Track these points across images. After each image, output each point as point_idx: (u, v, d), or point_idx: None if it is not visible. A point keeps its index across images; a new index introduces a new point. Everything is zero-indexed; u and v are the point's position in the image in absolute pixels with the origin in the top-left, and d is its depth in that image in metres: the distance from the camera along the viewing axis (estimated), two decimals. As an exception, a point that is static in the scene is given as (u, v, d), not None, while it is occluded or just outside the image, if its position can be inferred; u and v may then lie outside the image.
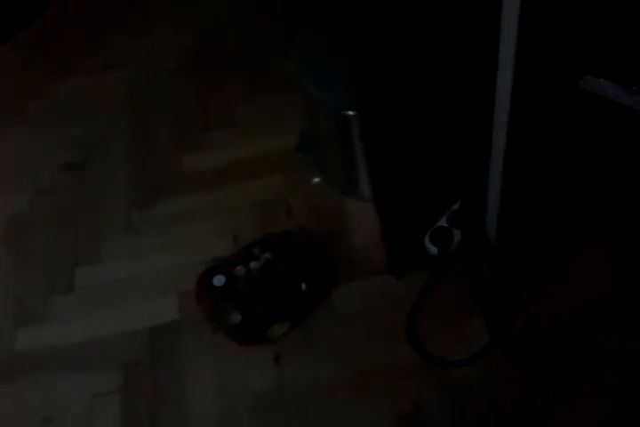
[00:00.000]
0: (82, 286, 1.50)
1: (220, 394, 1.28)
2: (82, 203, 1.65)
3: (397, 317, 1.28)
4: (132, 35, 2.01)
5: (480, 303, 1.26)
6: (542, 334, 1.22)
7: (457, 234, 1.22)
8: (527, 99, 0.94)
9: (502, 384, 1.19)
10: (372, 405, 1.21)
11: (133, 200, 1.62)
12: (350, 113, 1.04)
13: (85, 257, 1.55)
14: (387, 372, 1.23)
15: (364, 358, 1.26)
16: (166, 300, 1.42)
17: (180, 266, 1.47)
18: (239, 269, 1.24)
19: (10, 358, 1.42)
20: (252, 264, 1.23)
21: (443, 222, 1.24)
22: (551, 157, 1.31)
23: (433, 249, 1.22)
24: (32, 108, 1.90)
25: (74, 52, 2.02)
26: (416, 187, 1.19)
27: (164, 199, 1.60)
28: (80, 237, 1.59)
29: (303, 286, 1.24)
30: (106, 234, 1.58)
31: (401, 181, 1.15)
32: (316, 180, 1.32)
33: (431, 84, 1.03)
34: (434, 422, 1.17)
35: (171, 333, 1.37)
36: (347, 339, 1.28)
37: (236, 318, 1.19)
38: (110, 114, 1.83)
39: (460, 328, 1.25)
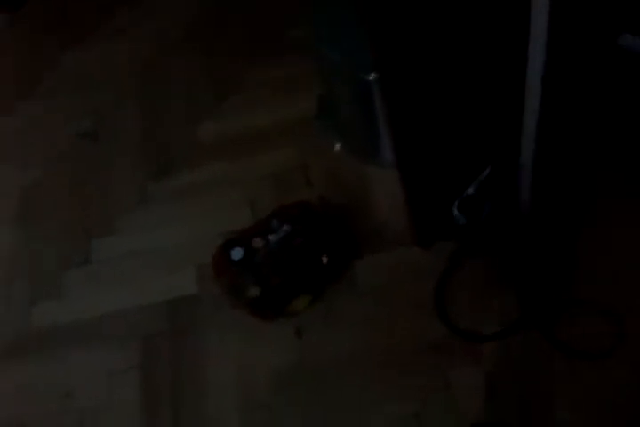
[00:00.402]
0: (98, 259, 1.47)
1: (239, 369, 1.25)
2: (96, 174, 1.61)
3: (423, 289, 1.23)
4: (142, 5, 1.94)
5: (512, 276, 1.21)
6: (578, 307, 1.17)
7: (487, 203, 1.16)
8: (562, 57, 0.87)
9: (534, 359, 1.14)
10: (396, 380, 1.17)
11: (147, 171, 1.57)
12: (371, 75, 0.98)
13: (100, 229, 1.51)
14: (413, 346, 1.19)
15: (388, 332, 1.22)
16: (184, 273, 1.39)
17: (196, 238, 1.43)
18: (257, 242, 1.19)
19: (28, 334, 1.40)
20: (271, 237, 1.18)
21: (472, 190, 1.18)
22: (588, 120, 1.24)
23: (462, 219, 1.17)
24: (45, 79, 1.84)
25: (84, 23, 1.96)
26: (443, 152, 1.13)
27: (178, 170, 1.55)
28: (94, 208, 1.55)
29: (324, 259, 1.19)
30: (120, 205, 1.54)
31: (426, 145, 1.08)
32: (336, 147, 1.26)
33: (458, 39, 0.96)
34: (462, 397, 1.13)
35: (189, 306, 1.34)
36: (370, 313, 1.24)
37: (255, 292, 1.15)
38: (123, 84, 1.77)
39: (490, 301, 1.20)
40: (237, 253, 1.19)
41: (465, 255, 1.24)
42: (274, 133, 1.53)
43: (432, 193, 1.20)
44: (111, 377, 1.31)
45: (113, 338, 1.35)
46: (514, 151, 1.03)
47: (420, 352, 1.19)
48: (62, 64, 1.85)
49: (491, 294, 1.20)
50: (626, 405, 1.07)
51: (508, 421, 1.12)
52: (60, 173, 1.63)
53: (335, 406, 1.18)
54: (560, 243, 1.24)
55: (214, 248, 1.24)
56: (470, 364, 1.16)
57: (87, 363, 1.33)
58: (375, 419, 1.15)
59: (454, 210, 1.17)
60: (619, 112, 1.25)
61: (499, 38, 0.97)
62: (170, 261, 1.41)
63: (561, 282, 1.20)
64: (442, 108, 1.04)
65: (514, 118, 0.97)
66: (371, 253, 1.29)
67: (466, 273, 1.23)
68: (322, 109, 1.26)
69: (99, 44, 1.87)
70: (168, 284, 1.38)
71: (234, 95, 1.65)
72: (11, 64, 1.91)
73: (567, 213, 1.26)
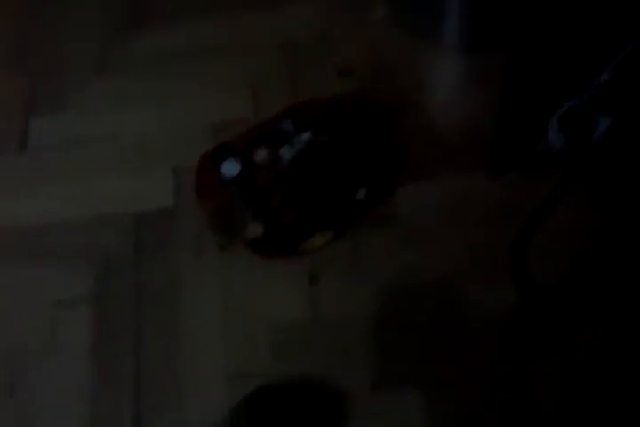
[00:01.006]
0: (38, 145, 1.09)
1: (230, 323, 0.93)
2: (42, 33, 1.18)
3: (489, 235, 0.89)
4: None
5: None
6: None
7: (603, 119, 0.80)
8: None
9: None
10: (428, 346, 0.87)
11: (112, 28, 1.15)
12: None
13: (45, 105, 1.11)
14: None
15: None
16: (155, 176, 1.02)
17: (174, 129, 1.04)
18: (261, 154, 0.83)
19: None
20: (283, 150, 0.81)
21: (580, 102, 0.81)
22: None
23: (561, 140, 0.81)
24: None
25: None
26: (541, 31, 0.74)
27: (152, 28, 1.13)
28: (40, 76, 1.14)
29: (361, 193, 0.83)
30: (73, 75, 1.13)
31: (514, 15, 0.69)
32: (378, 15, 0.86)
33: None
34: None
35: (161, 224, 0.99)
36: (408, 260, 0.90)
37: (256, 230, 0.80)
38: None
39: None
40: (231, 168, 0.82)
41: (562, 194, 0.88)
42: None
43: (520, 96, 0.82)
44: (55, 311, 0.99)
45: (57, 258, 1.01)
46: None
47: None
48: None
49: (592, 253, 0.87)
50: None
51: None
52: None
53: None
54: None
55: (199, 154, 0.88)
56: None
57: (22, 291, 1.00)
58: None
59: (552, 127, 0.80)
60: None
61: None
62: (136, 157, 1.04)
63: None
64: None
65: None
66: (418, 180, 0.92)
67: (558, 220, 0.88)
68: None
69: None
70: (133, 190, 1.02)
71: None
72: None
73: None
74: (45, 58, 1.16)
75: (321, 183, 0.81)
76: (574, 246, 0.85)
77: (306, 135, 0.81)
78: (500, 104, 0.82)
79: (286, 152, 0.81)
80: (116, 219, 1.01)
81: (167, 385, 0.92)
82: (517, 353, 0.82)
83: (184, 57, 1.10)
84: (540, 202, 0.88)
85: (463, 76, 0.95)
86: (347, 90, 0.91)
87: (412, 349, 0.87)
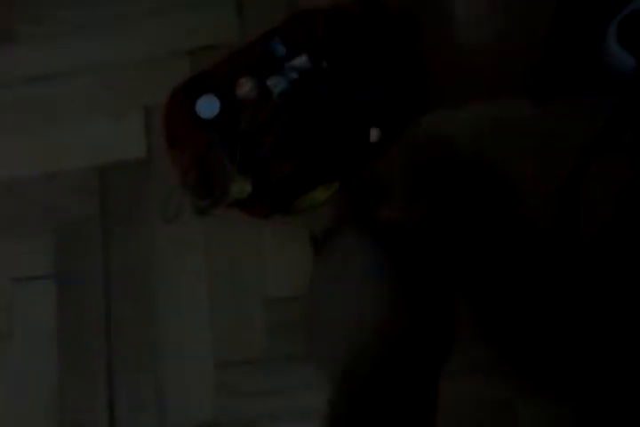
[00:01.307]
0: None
1: (218, 300, 0.77)
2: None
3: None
4: None
5: None
6: None
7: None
8: None
9: None
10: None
11: None
12: None
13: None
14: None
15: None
16: (123, 118, 0.83)
17: (141, 57, 0.85)
18: (246, 87, 0.63)
19: None
20: (272, 80, 0.62)
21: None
22: None
23: (620, 55, 0.61)
24: None
25: None
26: None
27: None
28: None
29: (374, 134, 0.63)
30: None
31: None
32: None
33: None
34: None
35: (133, 182, 0.81)
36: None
37: (243, 187, 0.61)
38: None
39: None
40: (208, 107, 0.63)
41: (621, 126, 0.68)
42: None
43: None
44: (12, 290, 0.82)
45: (10, 227, 0.84)
46: None
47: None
48: None
49: None
50: None
51: None
52: None
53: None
54: None
55: (166, 93, 0.68)
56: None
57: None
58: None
59: (609, 37, 0.60)
60: None
61: None
62: (97, 97, 0.85)
63: None
64: None
65: None
66: (442, 106, 0.72)
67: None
68: None
69: None
70: (97, 136, 0.84)
71: None
72: None
73: None
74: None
75: (322, 123, 0.61)
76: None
77: (301, 59, 0.61)
78: (555, 11, 0.62)
79: (276, 83, 0.61)
80: (78, 176, 0.83)
81: (144, 375, 0.77)
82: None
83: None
84: (593, 136, 0.68)
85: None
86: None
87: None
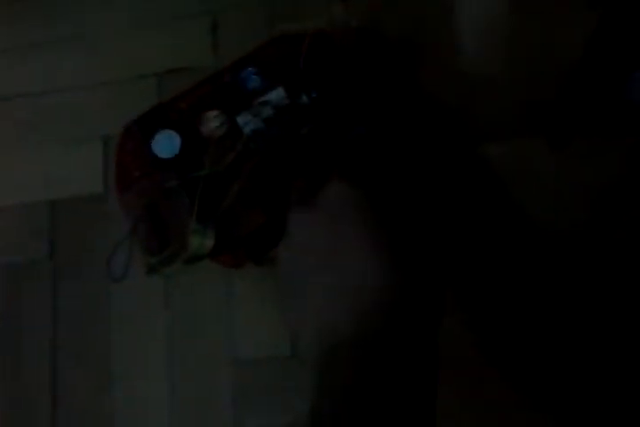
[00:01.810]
0: None
1: (179, 363, 0.67)
2: None
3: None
4: None
5: None
6: None
7: None
8: None
9: None
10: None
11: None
12: None
13: None
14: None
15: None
16: (81, 149, 0.73)
17: (102, 80, 0.75)
18: (214, 122, 0.53)
19: None
20: (243, 116, 0.52)
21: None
22: None
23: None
24: None
25: None
26: None
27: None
28: None
29: None
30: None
31: None
32: None
33: None
34: None
35: (86, 217, 0.71)
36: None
37: (204, 243, 0.51)
38: None
39: None
40: (167, 144, 0.54)
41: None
42: None
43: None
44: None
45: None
46: None
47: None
48: None
49: None
50: None
51: None
52: None
53: None
54: None
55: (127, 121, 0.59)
56: None
57: None
58: None
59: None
60: None
61: None
62: (54, 125, 0.75)
63: None
64: None
65: None
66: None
67: None
68: None
69: None
70: (49, 170, 0.74)
71: None
72: None
73: None
74: None
75: (299, 167, 0.52)
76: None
77: (277, 93, 0.52)
78: (588, 49, 0.53)
79: (247, 120, 0.51)
80: (25, 212, 0.74)
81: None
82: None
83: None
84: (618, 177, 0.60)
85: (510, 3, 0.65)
86: (349, 18, 0.60)
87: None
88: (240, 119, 0.52)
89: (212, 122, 0.54)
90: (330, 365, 0.41)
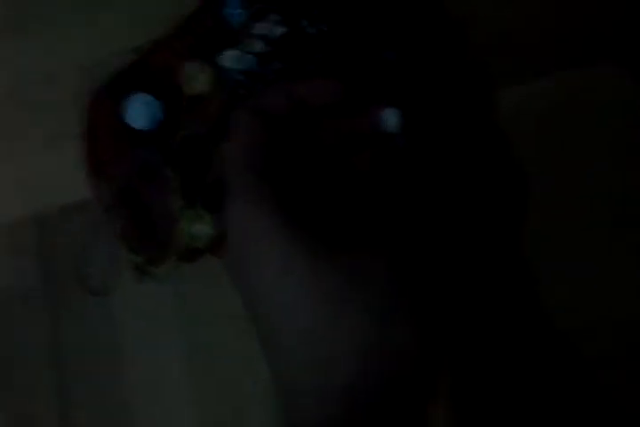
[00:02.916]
0: None
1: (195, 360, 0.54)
2: None
3: None
4: None
5: None
6: None
7: None
8: None
9: None
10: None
11: None
12: None
13: None
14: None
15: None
16: (55, 149, 0.62)
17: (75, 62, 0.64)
18: (201, 76, 0.41)
19: None
20: (227, 56, 0.40)
21: None
22: None
23: None
24: None
25: None
26: None
27: None
28: None
29: (391, 119, 0.39)
30: None
31: None
32: None
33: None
34: None
35: (76, 229, 0.60)
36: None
37: (199, 231, 0.38)
38: None
39: None
40: (143, 111, 0.41)
41: None
42: None
43: None
44: None
45: None
46: None
47: None
48: None
49: None
50: None
51: None
52: None
53: None
54: None
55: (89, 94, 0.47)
56: None
57: None
58: None
59: None
60: None
61: None
62: (26, 116, 0.64)
63: None
64: None
65: None
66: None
67: None
68: None
69: None
70: (23, 173, 0.63)
71: None
72: None
73: None
74: None
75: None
76: None
77: (267, 23, 0.39)
78: None
79: (232, 60, 0.39)
80: (10, 226, 0.62)
81: None
82: None
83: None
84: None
85: None
86: None
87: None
88: (224, 60, 0.39)
89: (201, 76, 0.41)
90: None
